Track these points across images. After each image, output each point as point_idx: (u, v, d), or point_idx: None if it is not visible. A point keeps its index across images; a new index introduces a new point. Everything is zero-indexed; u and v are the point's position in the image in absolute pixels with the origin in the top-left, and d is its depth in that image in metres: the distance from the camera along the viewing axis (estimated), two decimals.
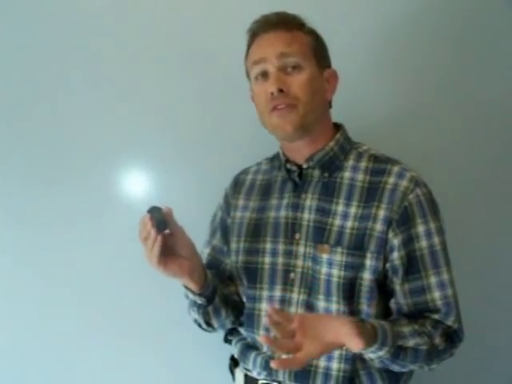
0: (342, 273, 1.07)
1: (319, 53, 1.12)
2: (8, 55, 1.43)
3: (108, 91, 1.43)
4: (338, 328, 0.92)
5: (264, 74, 1.10)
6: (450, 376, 1.34)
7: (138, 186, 1.45)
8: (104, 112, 1.44)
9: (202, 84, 1.43)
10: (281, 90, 1.06)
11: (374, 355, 0.98)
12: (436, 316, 1.07)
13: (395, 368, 1.04)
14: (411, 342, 1.00)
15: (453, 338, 1.07)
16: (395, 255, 1.07)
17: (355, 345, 0.90)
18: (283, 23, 1.09)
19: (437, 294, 1.07)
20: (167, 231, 1.04)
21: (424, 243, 1.07)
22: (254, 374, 1.15)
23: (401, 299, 1.08)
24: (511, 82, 1.42)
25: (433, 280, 1.07)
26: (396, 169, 1.11)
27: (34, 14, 1.41)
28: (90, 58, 1.42)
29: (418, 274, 1.07)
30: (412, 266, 1.07)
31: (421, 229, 1.07)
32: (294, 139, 1.11)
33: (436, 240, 1.07)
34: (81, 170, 1.44)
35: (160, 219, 1.01)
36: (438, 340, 1.04)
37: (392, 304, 1.09)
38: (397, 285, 1.08)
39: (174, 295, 1.26)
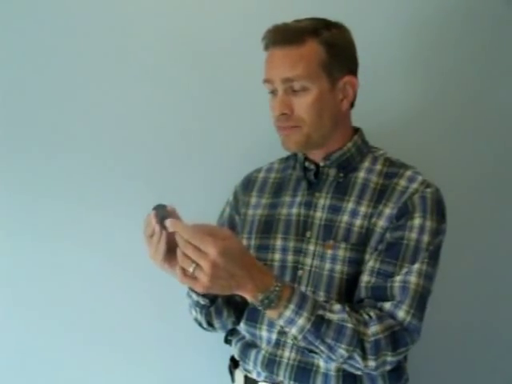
0: (346, 269, 1.07)
1: (332, 64, 1.08)
2: (12, 59, 1.42)
3: (114, 94, 1.43)
4: (244, 283, 0.91)
5: (274, 91, 1.11)
6: (450, 376, 1.36)
7: (145, 188, 1.43)
8: (108, 114, 1.43)
9: (214, 84, 1.44)
10: (284, 114, 1.08)
11: (295, 327, 0.95)
12: (387, 305, 1.02)
13: (323, 350, 0.98)
14: (336, 316, 0.97)
15: (398, 337, 1.00)
16: (386, 235, 1.07)
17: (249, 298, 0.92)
18: (291, 36, 1.07)
19: (398, 278, 1.03)
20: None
21: (414, 235, 1.05)
22: (254, 375, 1.15)
23: (366, 277, 1.05)
24: None
25: (404, 270, 1.04)
26: (408, 173, 1.12)
27: (33, 15, 1.40)
28: (95, 61, 1.42)
29: (394, 260, 1.05)
30: (394, 250, 1.05)
31: (417, 222, 1.06)
32: (302, 152, 1.15)
33: (425, 238, 1.05)
34: (86, 174, 1.43)
35: (163, 215, 1.01)
36: (374, 329, 0.98)
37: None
38: (371, 261, 1.06)
39: (174, 298, 1.28)
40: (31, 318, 1.43)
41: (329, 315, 0.97)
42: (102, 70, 1.42)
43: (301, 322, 0.95)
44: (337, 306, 1.00)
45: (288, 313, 0.95)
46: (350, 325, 0.97)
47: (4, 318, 1.43)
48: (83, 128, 1.43)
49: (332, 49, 1.09)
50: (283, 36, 1.08)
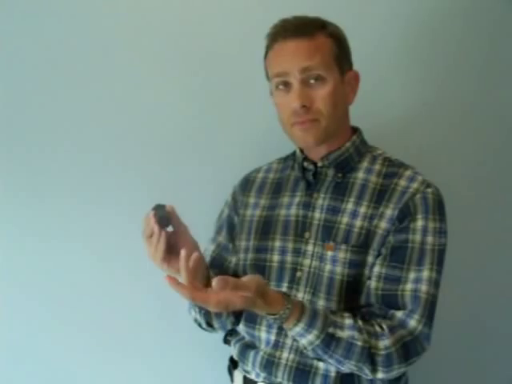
0: (346, 270, 1.07)
1: (341, 57, 1.10)
2: (12, 58, 1.41)
3: (114, 94, 1.43)
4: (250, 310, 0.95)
5: (286, 84, 1.09)
6: (450, 376, 1.36)
7: (145, 188, 1.43)
8: (109, 114, 1.43)
9: (214, 84, 1.44)
10: (304, 106, 1.06)
11: (305, 340, 0.98)
12: (399, 314, 1.02)
13: (332, 363, 1.01)
14: (346, 334, 0.99)
15: (409, 347, 1.01)
16: (389, 239, 1.07)
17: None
18: (303, 29, 1.06)
19: (409, 286, 1.04)
20: (169, 228, 1.04)
21: (418, 238, 1.05)
22: (253, 376, 1.15)
23: (374, 283, 1.06)
24: None
25: (412, 275, 1.04)
26: (408, 173, 1.11)
27: (35, 15, 1.40)
28: (96, 61, 1.41)
29: (401, 265, 1.05)
30: (399, 254, 1.05)
31: (419, 223, 1.06)
32: (315, 148, 1.13)
33: (430, 239, 1.05)
34: (86, 174, 1.43)
35: (162, 215, 1.02)
36: (386, 342, 1.00)
37: (364, 290, 1.07)
38: (377, 266, 1.06)
39: (173, 298, 1.26)
40: (31, 318, 1.43)
41: (339, 333, 0.99)
42: (103, 70, 1.42)
43: (310, 337, 0.98)
44: (348, 322, 1.01)
45: (298, 329, 0.98)
46: (359, 343, 0.99)
47: (5, 317, 1.43)
48: (84, 128, 1.43)
49: (339, 42, 1.10)
50: (295, 28, 1.07)
